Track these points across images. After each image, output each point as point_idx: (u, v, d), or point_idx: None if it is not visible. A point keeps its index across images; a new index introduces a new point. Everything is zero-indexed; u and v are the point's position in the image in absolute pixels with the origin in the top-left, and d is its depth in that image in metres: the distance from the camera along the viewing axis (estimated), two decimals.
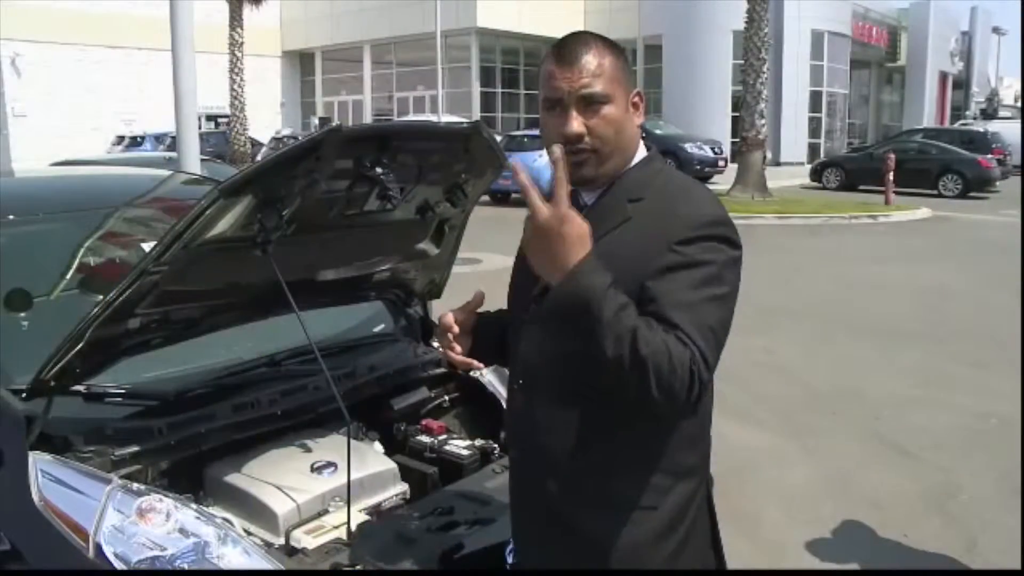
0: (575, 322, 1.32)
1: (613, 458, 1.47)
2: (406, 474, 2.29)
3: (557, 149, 1.39)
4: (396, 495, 2.19)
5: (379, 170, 2.01)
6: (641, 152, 1.54)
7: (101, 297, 1.90)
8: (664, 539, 1.49)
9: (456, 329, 1.67)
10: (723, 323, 1.40)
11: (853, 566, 3.43)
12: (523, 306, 1.58)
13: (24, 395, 1.93)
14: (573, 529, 1.50)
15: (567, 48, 1.47)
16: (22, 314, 2.41)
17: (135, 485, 1.81)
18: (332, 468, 2.13)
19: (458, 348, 1.68)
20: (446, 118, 22.87)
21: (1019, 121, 30.64)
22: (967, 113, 41.04)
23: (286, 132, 26.16)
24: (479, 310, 1.71)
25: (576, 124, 1.45)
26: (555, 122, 1.47)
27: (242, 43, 23.58)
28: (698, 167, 20.81)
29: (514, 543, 1.69)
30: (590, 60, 1.45)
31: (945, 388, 5.73)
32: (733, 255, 1.43)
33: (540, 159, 16.63)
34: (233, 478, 2.10)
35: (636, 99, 1.52)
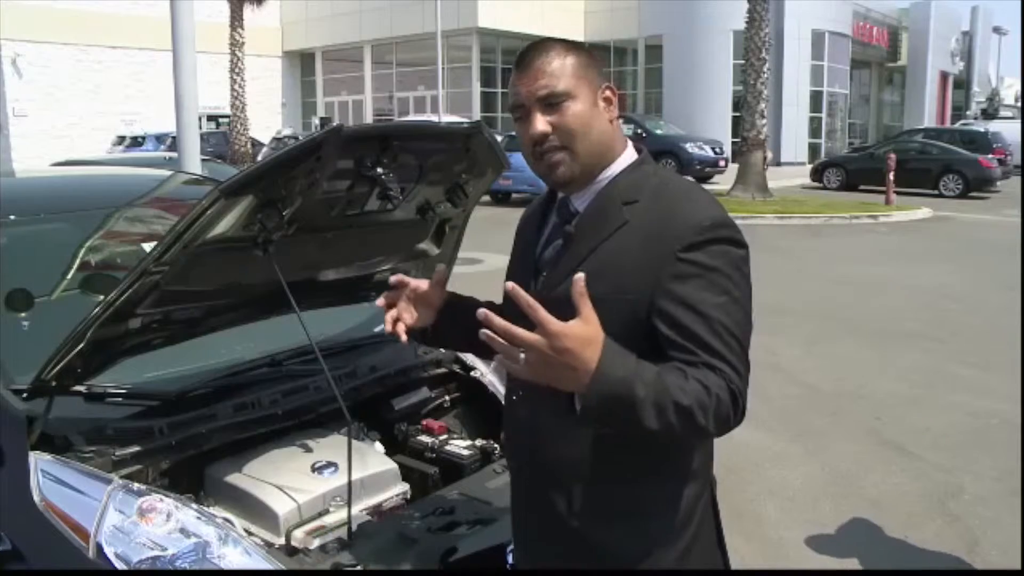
0: (618, 416, 1.28)
1: (620, 466, 1.46)
2: (407, 474, 2.29)
3: (579, 281, 1.25)
4: (397, 495, 2.19)
5: (380, 170, 2.01)
6: (630, 154, 1.52)
7: (102, 297, 1.90)
8: (672, 543, 1.48)
9: (413, 286, 1.69)
10: (743, 326, 1.39)
11: (854, 566, 3.43)
12: (518, 308, 1.56)
13: (25, 395, 1.93)
14: (583, 539, 1.49)
15: (524, 56, 1.48)
16: (23, 314, 2.41)
17: (136, 485, 1.80)
18: (333, 468, 2.13)
19: (409, 316, 1.69)
20: (447, 118, 22.87)
21: (1020, 121, 30.62)
22: (968, 113, 40.96)
23: (287, 132, 26.22)
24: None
25: (540, 124, 1.45)
26: (523, 128, 1.48)
27: (243, 43, 23.62)
28: (698, 167, 20.84)
29: (516, 554, 1.68)
30: (545, 62, 1.45)
31: (945, 388, 5.73)
32: (740, 255, 1.41)
33: None
34: (234, 478, 2.10)
35: (608, 93, 1.49)
